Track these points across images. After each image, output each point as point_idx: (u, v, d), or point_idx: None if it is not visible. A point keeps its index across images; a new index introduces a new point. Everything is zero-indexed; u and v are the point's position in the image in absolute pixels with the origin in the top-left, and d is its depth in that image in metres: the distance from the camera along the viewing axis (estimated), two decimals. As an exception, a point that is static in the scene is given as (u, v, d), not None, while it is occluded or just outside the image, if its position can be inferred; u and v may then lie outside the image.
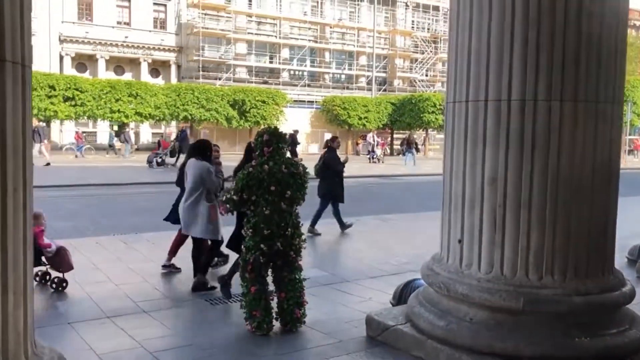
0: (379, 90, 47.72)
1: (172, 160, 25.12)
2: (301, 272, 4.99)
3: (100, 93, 32.52)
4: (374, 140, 30.86)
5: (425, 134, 44.00)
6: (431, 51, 52.10)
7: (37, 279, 6.32)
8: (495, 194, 3.94)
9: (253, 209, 4.77)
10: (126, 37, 42.12)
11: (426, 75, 52.76)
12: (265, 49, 47.07)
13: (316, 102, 45.21)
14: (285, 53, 47.25)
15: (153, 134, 40.30)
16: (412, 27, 52.79)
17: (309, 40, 48.02)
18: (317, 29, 48.80)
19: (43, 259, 6.25)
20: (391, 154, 39.47)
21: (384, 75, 51.01)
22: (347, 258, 8.59)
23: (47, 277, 6.44)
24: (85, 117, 33.66)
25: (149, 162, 24.91)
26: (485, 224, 4.01)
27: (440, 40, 53.12)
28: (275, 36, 46.72)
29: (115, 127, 38.22)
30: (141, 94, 33.83)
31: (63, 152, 30.29)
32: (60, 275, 6.33)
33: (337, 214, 10.07)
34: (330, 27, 48.95)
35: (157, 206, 12.12)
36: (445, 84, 4.56)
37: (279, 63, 46.98)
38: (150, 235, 9.11)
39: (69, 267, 6.35)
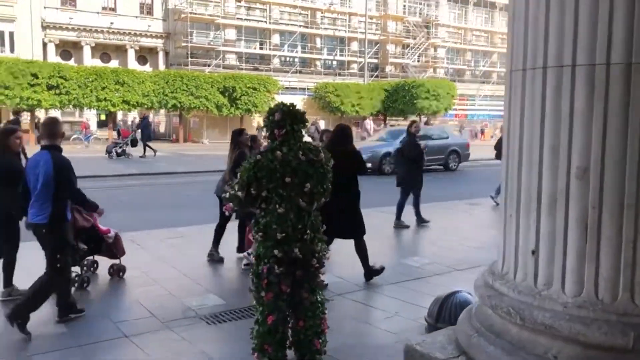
0: (371, 77, 46.63)
1: (134, 150, 23.37)
2: (323, 292, 3.98)
3: (85, 81, 31.22)
4: (370, 127, 29.80)
5: (421, 119, 43.01)
6: (423, 36, 51.05)
7: (91, 270, 6.23)
8: (587, 190, 2.96)
9: (264, 207, 3.75)
10: (112, 23, 40.68)
11: (418, 61, 51.76)
12: (255, 35, 45.77)
13: (308, 89, 44.10)
14: (275, 39, 46.00)
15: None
16: (404, 12, 51.67)
17: (300, 25, 46.77)
18: (307, 14, 47.53)
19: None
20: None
21: (375, 61, 49.93)
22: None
23: (95, 265, 6.32)
24: (71, 106, 32.38)
25: (108, 152, 22.94)
26: (571, 230, 3.03)
27: (432, 25, 52.09)
28: (266, 21, 45.43)
29: (103, 116, 36.96)
30: (128, 81, 32.56)
31: (71, 142, 28.92)
32: (117, 261, 6.20)
33: (416, 205, 9.47)
34: (321, 12, 47.71)
35: (134, 201, 11.11)
36: (508, 47, 3.55)
37: (270, 49, 45.73)
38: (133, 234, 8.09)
39: (123, 252, 6.21)
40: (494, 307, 3.38)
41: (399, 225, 9.21)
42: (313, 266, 3.83)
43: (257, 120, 38.65)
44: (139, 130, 24.38)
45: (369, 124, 30.39)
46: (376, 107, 41.18)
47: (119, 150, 22.92)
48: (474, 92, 52.68)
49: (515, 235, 3.35)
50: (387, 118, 43.37)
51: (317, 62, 48.26)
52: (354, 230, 6.09)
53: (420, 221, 9.36)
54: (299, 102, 41.66)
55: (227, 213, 5.42)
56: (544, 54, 3.09)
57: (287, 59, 47.47)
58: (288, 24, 46.51)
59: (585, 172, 2.95)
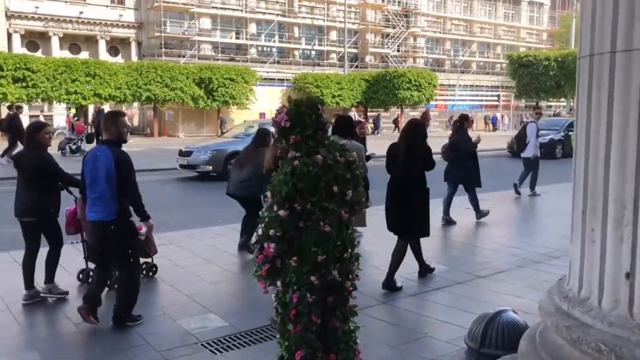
0: (351, 67, 45.98)
1: (90, 146, 21.84)
2: (354, 318, 3.33)
3: (54, 73, 29.92)
4: (355, 119, 29.16)
5: (399, 112, 42.56)
6: (403, 25, 50.53)
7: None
8: None
9: (303, 225, 3.06)
10: (81, 12, 39.24)
11: (398, 51, 51.28)
12: (231, 24, 44.72)
13: (286, 79, 43.30)
14: (252, 28, 45.00)
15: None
16: (383, 1, 51.03)
17: (277, 14, 45.84)
18: (285, 3, 46.63)
19: None
20: (372, 132, 37.91)
21: (355, 50, 49.29)
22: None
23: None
24: (39, 100, 31.03)
25: (61, 149, 20.96)
26: (682, 249, 2.43)
27: (412, 14, 51.60)
28: (242, 10, 44.39)
29: (73, 110, 35.64)
30: (100, 73, 31.36)
31: (55, 137, 27.50)
32: (150, 260, 5.96)
33: (474, 200, 9.07)
34: (299, 1, 46.83)
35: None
36: (585, 27, 2.94)
37: (246, 39, 44.73)
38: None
39: (156, 251, 6.01)
40: (575, 341, 2.78)
41: (448, 220, 8.79)
42: (347, 289, 3.20)
43: (233, 112, 37.79)
44: (94, 125, 22.70)
45: (354, 115, 29.68)
46: (357, 98, 40.58)
47: (73, 147, 21.03)
48: (454, 81, 52.44)
49: (601, 254, 2.75)
50: (368, 109, 42.82)
51: (296, 52, 47.40)
52: (421, 229, 5.76)
53: (480, 215, 9.03)
54: (277, 93, 40.99)
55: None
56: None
57: (265, 49, 46.51)
58: (265, 13, 45.54)
59: None
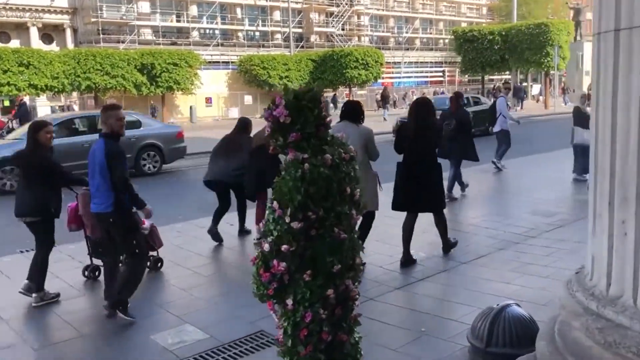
0: (297, 47, 45.36)
1: None
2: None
3: (-19, 64, 28.06)
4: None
5: (348, 92, 42.37)
6: (347, 4, 50.15)
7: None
8: None
9: (315, 233, 2.70)
10: (8, -2, 36.98)
11: (343, 30, 50.93)
12: (171, 7, 43.23)
13: (232, 62, 42.32)
14: (193, 10, 43.64)
15: (59, 107, 35.80)
16: (326, -21, 50.50)
17: (218, -5, 44.54)
18: (226, -16, 45.36)
19: None
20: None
21: (300, 30, 48.68)
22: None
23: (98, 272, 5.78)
24: (-32, 93, 29.14)
25: None
26: None
27: (355, -9, 51.30)
28: (182, -8, 42.90)
29: (7, 102, 33.68)
30: (34, 62, 29.61)
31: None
32: (155, 253, 5.96)
33: (460, 177, 9.30)
34: (241, -19, 45.68)
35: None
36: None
37: (188, 22, 43.37)
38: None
39: (161, 244, 6.05)
40: (610, 345, 2.56)
41: (450, 197, 8.71)
42: (352, 298, 2.88)
43: (178, 98, 36.66)
44: (17, 119, 20.73)
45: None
46: (305, 78, 40.06)
47: None
48: (399, 59, 52.63)
49: (635, 249, 2.54)
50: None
51: (239, 34, 46.35)
52: (440, 203, 6.00)
53: (463, 187, 9.36)
54: (223, 76, 40.02)
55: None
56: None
57: (207, 31, 45.25)
58: (206, -5, 44.23)
59: None
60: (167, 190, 11.66)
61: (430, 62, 55.51)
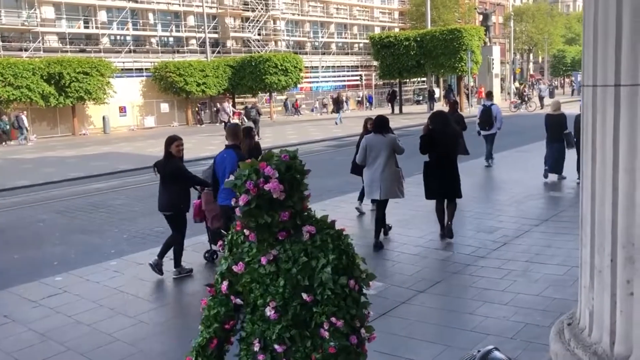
0: (213, 53, 44.46)
1: None
2: None
3: None
4: (229, 110, 28.07)
5: (268, 97, 42.04)
6: (262, 8, 49.77)
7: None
8: None
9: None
10: None
11: (259, 35, 50.49)
12: (77, 12, 41.01)
13: (146, 69, 40.81)
14: (102, 16, 41.69)
15: None
16: (240, -16, 49.81)
17: (129, 0, 42.76)
18: (136, -12, 43.65)
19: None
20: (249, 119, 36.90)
21: (215, 36, 47.73)
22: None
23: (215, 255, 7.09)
24: None
25: None
26: None
27: (270, -5, 50.98)
28: (89, -3, 40.80)
29: None
30: None
31: None
32: None
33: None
34: (151, -15, 44.13)
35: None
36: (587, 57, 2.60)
37: (97, 28, 41.37)
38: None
39: None
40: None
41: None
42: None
43: (90, 108, 34.87)
44: None
45: (228, 106, 28.54)
46: (223, 85, 39.32)
47: None
48: (317, 63, 52.89)
49: (630, 305, 2.47)
50: (236, 96, 41.72)
51: (153, 40, 44.76)
52: (459, 191, 7.62)
53: None
54: (136, 84, 38.48)
55: None
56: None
57: (118, 37, 43.38)
58: (115, -1, 42.34)
59: None
60: (89, 219, 10.87)
61: (347, 66, 56.21)
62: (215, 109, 38.64)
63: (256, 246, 2.50)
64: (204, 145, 21.87)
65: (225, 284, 2.62)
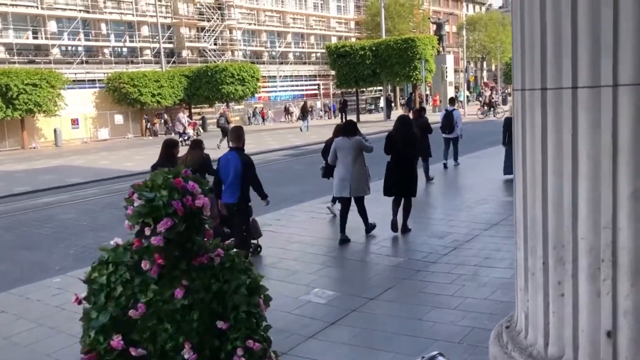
0: (168, 63, 43.93)
1: None
2: None
3: None
4: (185, 121, 27.68)
5: (225, 106, 41.73)
6: (218, 18, 49.50)
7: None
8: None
9: None
10: None
11: (215, 44, 50.17)
12: (25, 23, 39.86)
13: (99, 80, 39.99)
14: (52, 26, 40.64)
15: None
16: (194, -7, 49.41)
17: (80, 10, 41.95)
18: (88, -2, 42.78)
19: None
20: (205, 130, 36.51)
21: (170, 46, 47.19)
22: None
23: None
24: None
25: None
26: (670, 303, 2.24)
27: (226, 6, 50.76)
28: (37, 6, 39.74)
29: None
30: None
31: None
32: (256, 241, 7.36)
33: (428, 168, 12.44)
34: (103, -5, 43.32)
35: None
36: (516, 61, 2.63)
37: (46, 38, 40.28)
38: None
39: (260, 234, 7.52)
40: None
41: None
42: None
43: (40, 120, 33.87)
44: None
45: (184, 117, 28.10)
46: (179, 95, 38.84)
47: None
48: (274, 73, 52.86)
49: (573, 310, 2.49)
50: (192, 106, 41.24)
51: (106, 50, 43.91)
52: (414, 190, 8.27)
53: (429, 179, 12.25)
54: (89, 96, 37.62)
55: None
56: (614, 70, 2.23)
57: (70, 48, 42.35)
58: (66, 9, 41.34)
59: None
60: (38, 232, 10.51)
61: (305, 75, 56.36)
62: (162, 120, 38.03)
63: (158, 281, 2.23)
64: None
65: (117, 338, 2.26)
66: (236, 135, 6.73)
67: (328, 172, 9.22)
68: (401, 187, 8.07)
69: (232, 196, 6.43)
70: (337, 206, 9.12)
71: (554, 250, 2.54)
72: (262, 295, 2.38)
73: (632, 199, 2.25)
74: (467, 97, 44.01)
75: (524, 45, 2.64)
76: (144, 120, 38.64)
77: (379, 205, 8.71)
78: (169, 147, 7.04)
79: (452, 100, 16.84)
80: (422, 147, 10.49)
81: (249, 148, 22.61)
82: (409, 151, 8.14)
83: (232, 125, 23.32)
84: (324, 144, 9.47)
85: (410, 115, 11.10)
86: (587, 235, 2.39)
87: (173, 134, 26.62)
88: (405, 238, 8.02)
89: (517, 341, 2.84)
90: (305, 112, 33.24)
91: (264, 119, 45.21)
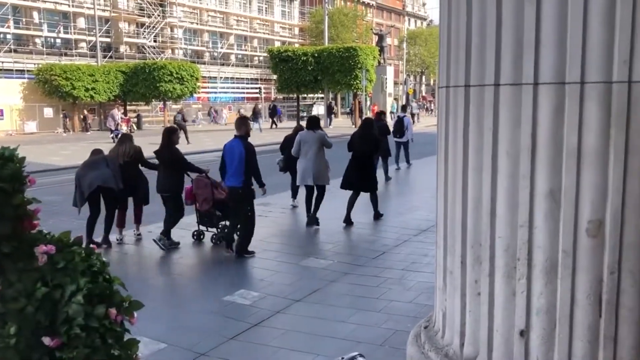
0: (105, 57, 42.46)
1: None
2: None
3: None
4: (118, 117, 26.70)
5: (163, 105, 40.74)
6: (159, 15, 48.33)
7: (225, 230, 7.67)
8: (602, 250, 2.23)
9: None
10: None
11: (155, 41, 48.94)
12: (-52, 6, 37.56)
13: (28, 71, 38.13)
14: (-21, 12, 38.44)
15: None
16: (135, -12, 48.07)
17: (11, -4, 39.83)
18: (19, -16, 40.77)
19: None
20: (138, 127, 35.36)
21: (108, 40, 45.61)
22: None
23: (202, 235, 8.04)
24: None
25: None
26: (580, 302, 2.28)
27: (167, 3, 49.68)
28: (-38, -10, 37.51)
29: None
30: None
31: None
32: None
33: (387, 167, 13.56)
34: (37, -17, 41.44)
35: None
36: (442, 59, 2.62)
37: (-28, 24, 38.06)
38: None
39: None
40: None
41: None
42: None
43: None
44: None
45: (117, 114, 27.06)
46: (114, 91, 37.53)
47: None
48: (215, 74, 52.12)
49: (489, 309, 2.48)
50: (128, 103, 39.97)
51: (37, 40, 41.90)
52: (374, 185, 8.96)
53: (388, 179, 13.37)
54: (17, 87, 35.77)
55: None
56: (536, 68, 2.24)
57: (-3, 35, 40.21)
58: (-5, -6, 39.23)
59: (601, 227, 2.20)
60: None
61: (247, 78, 55.85)
62: (82, 116, 36.63)
63: None
64: (86, 152, 20.50)
65: None
66: (240, 124, 7.32)
67: (287, 165, 9.96)
68: (354, 180, 8.73)
69: (237, 180, 6.93)
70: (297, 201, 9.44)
71: (472, 249, 2.53)
72: (115, 304, 1.94)
73: (548, 198, 2.26)
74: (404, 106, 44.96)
75: (449, 43, 2.63)
76: (62, 115, 36.85)
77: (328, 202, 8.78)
78: (170, 134, 7.69)
79: (404, 108, 18.27)
80: (384, 147, 11.51)
81: (206, 146, 22.17)
82: (367, 150, 8.78)
83: (187, 123, 22.94)
84: (282, 141, 10.41)
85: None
86: (504, 234, 2.39)
87: (109, 132, 25.63)
88: (333, 239, 8.02)
89: (434, 341, 2.82)
90: (256, 114, 33.81)
91: (214, 119, 44.44)
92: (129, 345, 1.97)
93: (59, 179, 13.83)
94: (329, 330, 4.76)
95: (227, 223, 7.61)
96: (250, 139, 7.22)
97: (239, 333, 4.81)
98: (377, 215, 8.98)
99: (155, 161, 7.96)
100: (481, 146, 2.41)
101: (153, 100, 39.88)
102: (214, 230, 7.80)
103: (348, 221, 8.63)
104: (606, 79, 2.12)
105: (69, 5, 42.90)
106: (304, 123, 10.81)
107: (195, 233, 7.96)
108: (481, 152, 2.42)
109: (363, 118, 10.41)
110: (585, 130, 2.16)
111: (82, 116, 37.09)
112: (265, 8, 61.30)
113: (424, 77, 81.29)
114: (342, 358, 3.64)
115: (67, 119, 36.74)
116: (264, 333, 4.81)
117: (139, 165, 7.95)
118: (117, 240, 7.81)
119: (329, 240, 8.10)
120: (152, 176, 8.04)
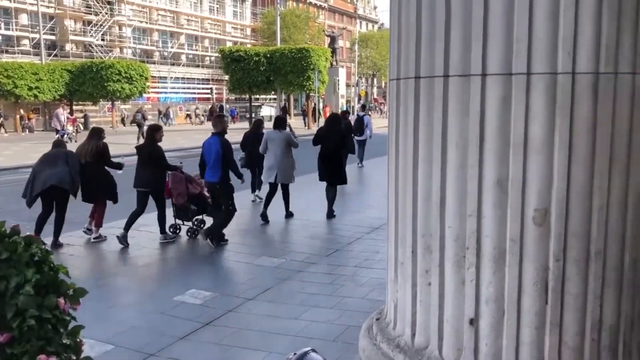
0: (49, 55, 41.10)
1: None
2: None
3: None
4: (64, 118, 25.83)
5: (111, 105, 39.75)
6: (107, 13, 47.15)
7: (201, 225, 8.28)
8: (548, 238, 2.28)
9: None
10: None
11: (103, 40, 47.71)
12: None
13: (-33, 68, 36.44)
14: None
15: None
16: (81, -15, 46.76)
17: (-54, -11, 38.04)
18: (-44, -23, 39.02)
19: None
20: (85, 128, 34.29)
21: (52, 37, 44.14)
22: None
23: (203, 223, 8.36)
24: None
25: None
26: (527, 290, 2.33)
27: (116, 1, 48.52)
28: None
29: None
30: None
31: None
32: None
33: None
34: (-24, -23, 39.76)
35: None
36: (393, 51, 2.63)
37: None
38: None
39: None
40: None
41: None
42: None
43: None
44: None
45: (62, 113, 26.13)
46: (59, 90, 36.35)
47: None
48: (165, 74, 51.23)
49: (439, 299, 2.50)
50: (74, 103, 38.78)
51: (-24, 37, 40.23)
52: (340, 178, 9.45)
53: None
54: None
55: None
56: (484, 60, 2.27)
57: None
58: None
59: (546, 216, 2.25)
60: None
61: (198, 78, 55.13)
62: (18, 116, 35.26)
63: None
64: (29, 152, 19.79)
65: None
66: (217, 122, 7.79)
67: (248, 161, 10.46)
68: (323, 174, 9.26)
69: (214, 175, 7.27)
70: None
71: (422, 239, 2.54)
72: (62, 294, 1.90)
73: (496, 187, 2.30)
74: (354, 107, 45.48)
75: (400, 35, 2.65)
76: (17, 115, 35.61)
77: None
78: (153, 131, 7.95)
79: (363, 107, 19.24)
80: (349, 143, 11.99)
81: (167, 145, 21.71)
82: (333, 145, 9.16)
83: (147, 122, 22.47)
84: (242, 138, 10.86)
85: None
86: (453, 224, 2.41)
87: (55, 133, 24.77)
88: (286, 238, 8.00)
89: (386, 332, 2.83)
90: (167, 116, 34.00)
91: (167, 120, 43.61)
92: (75, 331, 1.95)
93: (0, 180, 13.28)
94: (282, 328, 4.73)
95: (202, 217, 8.15)
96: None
97: (189, 333, 4.72)
98: (330, 214, 9.13)
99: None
100: (431, 137, 2.43)
101: (101, 100, 38.85)
102: (189, 224, 8.14)
103: (329, 214, 9.10)
104: (551, 70, 2.17)
105: (10, 1, 41.30)
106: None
107: (172, 227, 8.15)
108: (431, 143, 2.43)
109: (328, 115, 10.73)
110: (532, 120, 2.20)
111: (18, 116, 35.62)
112: (217, 8, 60.68)
113: (375, 80, 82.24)
114: (294, 354, 3.62)
115: (3, 118, 35.18)
116: (215, 332, 4.74)
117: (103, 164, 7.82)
118: (102, 237, 7.86)
119: (282, 238, 8.08)
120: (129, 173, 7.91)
